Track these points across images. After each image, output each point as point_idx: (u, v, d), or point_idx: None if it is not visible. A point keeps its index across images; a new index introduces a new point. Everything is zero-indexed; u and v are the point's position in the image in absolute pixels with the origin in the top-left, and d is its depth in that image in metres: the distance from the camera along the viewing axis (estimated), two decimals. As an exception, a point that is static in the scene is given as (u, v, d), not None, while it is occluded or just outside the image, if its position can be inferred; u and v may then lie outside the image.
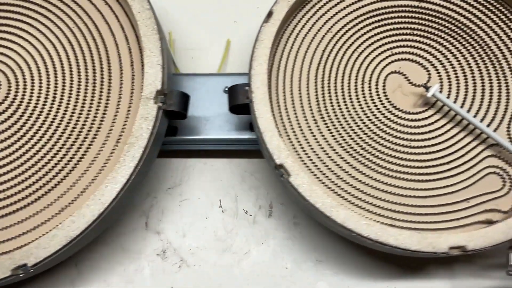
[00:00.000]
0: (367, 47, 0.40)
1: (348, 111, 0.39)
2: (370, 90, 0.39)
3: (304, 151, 0.37)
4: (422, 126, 0.38)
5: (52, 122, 0.37)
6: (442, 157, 0.37)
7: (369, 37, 0.41)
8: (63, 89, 0.37)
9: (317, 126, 0.38)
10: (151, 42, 0.37)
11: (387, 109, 0.39)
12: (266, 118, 0.36)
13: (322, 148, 0.37)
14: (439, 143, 0.38)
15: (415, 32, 0.41)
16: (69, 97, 0.37)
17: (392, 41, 0.41)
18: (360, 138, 0.38)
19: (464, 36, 0.40)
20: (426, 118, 0.38)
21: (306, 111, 0.38)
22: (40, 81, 0.38)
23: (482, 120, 0.38)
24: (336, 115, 0.38)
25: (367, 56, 0.40)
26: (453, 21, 0.41)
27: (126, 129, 0.36)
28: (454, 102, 0.39)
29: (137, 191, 0.43)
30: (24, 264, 0.32)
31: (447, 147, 0.37)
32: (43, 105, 0.37)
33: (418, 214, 0.36)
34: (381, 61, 0.40)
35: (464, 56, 0.40)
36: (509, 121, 0.38)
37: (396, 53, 0.40)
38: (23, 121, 0.37)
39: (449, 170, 0.37)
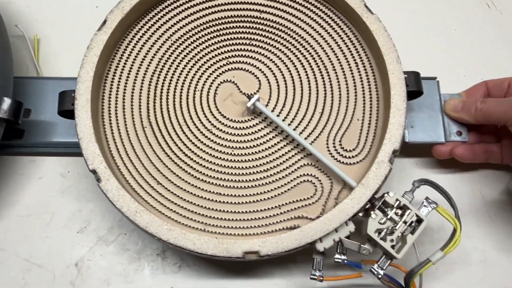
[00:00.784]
0: (204, 55, 0.42)
1: (177, 119, 0.40)
2: (201, 98, 0.41)
3: (121, 158, 0.38)
4: (246, 135, 0.40)
5: None
6: (261, 165, 0.39)
7: (208, 46, 0.42)
8: None
9: (145, 133, 0.39)
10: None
11: (215, 117, 0.40)
12: (85, 124, 0.37)
13: (146, 155, 0.39)
14: (260, 151, 0.39)
15: (253, 42, 0.42)
16: None
17: (230, 51, 0.42)
18: (185, 146, 0.39)
19: (298, 47, 0.42)
20: (250, 127, 0.40)
21: (135, 119, 0.40)
22: None
23: (304, 129, 0.40)
24: (164, 123, 0.40)
25: (203, 64, 0.42)
26: (288, 31, 0.42)
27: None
28: (280, 112, 0.40)
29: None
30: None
31: (267, 156, 0.39)
32: None
33: (230, 220, 0.37)
34: (216, 69, 0.41)
35: (296, 67, 0.41)
36: (330, 131, 0.39)
37: (232, 62, 0.42)
38: None
39: (266, 177, 0.38)
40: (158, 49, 0.42)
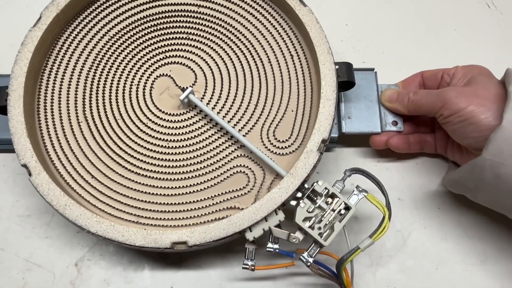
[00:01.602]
0: (141, 50, 0.42)
1: (113, 113, 0.40)
2: (137, 92, 0.41)
3: (56, 153, 0.39)
4: (181, 128, 0.40)
5: None
6: (195, 157, 0.39)
7: (144, 41, 0.42)
8: None
9: (80, 128, 0.39)
10: None
11: (151, 111, 0.40)
12: (17, 120, 0.37)
13: (81, 149, 0.39)
14: (195, 143, 0.39)
15: (189, 36, 0.42)
16: None
17: (166, 45, 0.42)
18: (121, 139, 0.39)
19: (234, 40, 0.42)
20: (186, 119, 0.40)
21: (71, 114, 0.40)
22: None
23: (239, 121, 0.40)
24: (100, 118, 0.40)
25: (140, 59, 0.42)
26: (223, 24, 0.42)
27: None
28: (216, 104, 0.41)
29: None
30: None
31: (201, 148, 0.39)
32: None
33: (163, 212, 0.37)
34: (153, 64, 0.42)
35: (231, 60, 0.42)
36: (264, 122, 0.40)
37: (168, 56, 0.42)
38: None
39: (200, 169, 0.39)
40: (95, 45, 0.42)
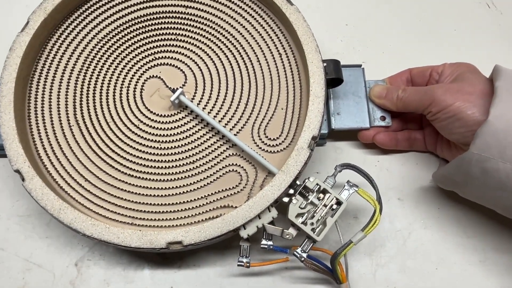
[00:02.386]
0: (130, 52, 0.42)
1: (104, 116, 0.40)
2: (128, 95, 0.41)
3: (48, 157, 0.39)
4: (172, 128, 0.40)
5: None
6: (188, 157, 0.39)
7: (133, 43, 0.42)
8: None
9: (71, 131, 0.40)
10: None
11: (142, 113, 0.41)
12: (9, 126, 0.37)
13: (73, 153, 0.39)
14: (187, 144, 0.40)
15: (178, 37, 0.43)
16: None
17: (155, 47, 0.42)
18: (113, 142, 0.40)
19: (222, 40, 0.43)
20: (177, 120, 0.40)
21: (62, 118, 0.40)
22: None
23: (230, 121, 0.40)
24: (91, 121, 0.40)
25: (129, 61, 0.42)
26: (212, 25, 0.43)
27: None
28: (206, 104, 0.41)
29: None
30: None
31: (193, 148, 0.40)
32: None
33: (157, 213, 0.38)
34: (142, 66, 0.42)
35: (221, 60, 0.42)
36: (254, 121, 0.40)
37: (158, 58, 0.42)
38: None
39: (192, 169, 0.39)
40: (84, 48, 0.42)
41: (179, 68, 0.42)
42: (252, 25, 0.43)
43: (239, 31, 0.43)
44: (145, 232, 0.35)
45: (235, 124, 0.40)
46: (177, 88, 0.40)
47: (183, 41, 0.43)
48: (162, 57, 0.42)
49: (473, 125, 0.36)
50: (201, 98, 0.41)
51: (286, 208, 0.37)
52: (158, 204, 0.38)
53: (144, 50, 0.42)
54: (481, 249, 0.44)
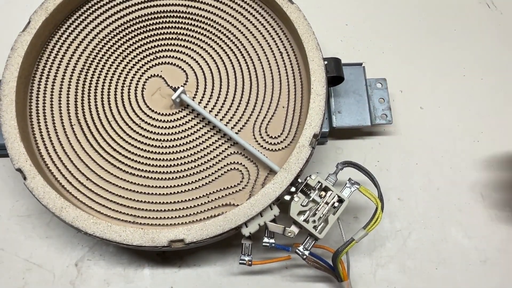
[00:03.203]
0: (132, 52, 0.42)
1: (105, 115, 0.40)
2: (129, 93, 0.41)
3: (50, 156, 0.39)
4: (174, 127, 0.40)
5: None
6: (189, 155, 0.39)
7: (134, 42, 0.43)
8: None
9: (73, 130, 0.40)
10: None
11: (143, 112, 0.41)
12: (10, 125, 0.37)
13: (75, 151, 0.39)
14: (188, 142, 0.40)
15: (179, 36, 0.43)
16: None
17: (156, 46, 0.43)
18: (114, 141, 0.40)
19: (223, 39, 0.43)
20: (179, 119, 0.41)
21: (64, 116, 0.40)
22: None
23: (231, 119, 0.40)
24: (93, 120, 0.40)
25: (131, 60, 0.42)
26: (213, 24, 0.43)
27: None
28: (208, 103, 0.41)
29: None
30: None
31: (195, 146, 0.40)
32: None
33: (158, 211, 0.38)
34: (144, 65, 0.42)
35: (222, 58, 0.42)
36: (256, 119, 0.40)
37: (159, 57, 0.42)
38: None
39: (194, 168, 0.39)
40: (86, 47, 0.42)
41: (180, 67, 0.42)
42: (253, 24, 0.43)
43: (240, 30, 0.43)
44: (147, 230, 0.35)
45: (237, 123, 0.40)
46: (178, 87, 0.40)
47: (184, 40, 0.43)
48: (163, 56, 0.42)
49: None
50: (202, 97, 0.41)
51: (287, 206, 0.37)
52: (160, 202, 0.38)
53: (145, 49, 0.42)
54: (482, 250, 0.44)
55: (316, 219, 0.36)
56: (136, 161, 0.39)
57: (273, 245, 0.37)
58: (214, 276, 0.42)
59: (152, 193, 0.38)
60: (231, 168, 0.39)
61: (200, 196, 0.38)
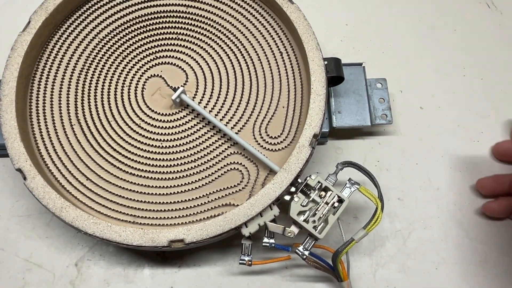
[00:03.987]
0: (131, 52, 0.42)
1: (105, 115, 0.40)
2: (129, 93, 0.41)
3: (49, 156, 0.39)
4: (174, 127, 0.40)
5: None
6: (189, 155, 0.39)
7: (134, 42, 0.43)
8: None
9: (73, 130, 0.40)
10: None
11: (143, 112, 0.41)
12: (10, 125, 0.37)
13: (75, 151, 0.39)
14: (188, 142, 0.40)
15: (179, 36, 0.43)
16: None
17: (156, 46, 0.43)
18: (114, 141, 0.40)
19: (223, 39, 0.43)
20: (179, 119, 0.41)
21: (64, 116, 0.40)
22: None
23: (231, 119, 0.40)
24: (93, 120, 0.40)
25: (131, 60, 0.42)
26: (212, 23, 0.43)
27: None
28: (208, 103, 0.41)
29: None
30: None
31: (195, 146, 0.40)
32: None
33: (158, 211, 0.38)
34: (144, 65, 0.42)
35: (222, 58, 0.42)
36: (256, 119, 0.40)
37: (159, 57, 0.42)
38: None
39: (194, 168, 0.39)
40: (86, 47, 0.42)
41: (180, 67, 0.42)
42: (253, 24, 0.43)
43: (240, 30, 0.43)
44: (147, 231, 0.35)
45: (237, 123, 0.40)
46: (178, 87, 0.40)
47: (184, 40, 0.43)
48: (163, 56, 0.42)
49: None
50: (202, 97, 0.41)
51: (287, 206, 0.37)
52: (159, 202, 0.38)
53: (145, 49, 0.42)
54: (482, 250, 0.43)
55: (316, 219, 0.36)
56: (136, 161, 0.39)
57: (273, 245, 0.37)
58: (214, 276, 0.42)
59: (152, 193, 0.38)
60: (231, 168, 0.39)
61: (200, 196, 0.38)
